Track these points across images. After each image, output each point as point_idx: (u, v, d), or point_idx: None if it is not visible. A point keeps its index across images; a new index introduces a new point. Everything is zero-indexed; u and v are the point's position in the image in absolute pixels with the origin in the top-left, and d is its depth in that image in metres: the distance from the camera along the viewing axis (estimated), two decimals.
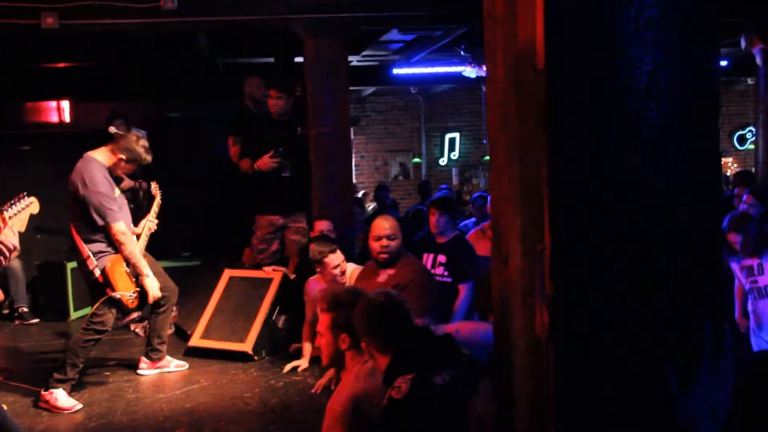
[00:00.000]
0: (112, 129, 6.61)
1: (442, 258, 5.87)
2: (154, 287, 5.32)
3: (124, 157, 5.25)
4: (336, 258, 5.44)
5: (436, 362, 2.82)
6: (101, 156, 5.27)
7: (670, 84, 2.12)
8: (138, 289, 5.30)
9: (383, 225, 5.17)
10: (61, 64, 9.74)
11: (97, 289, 5.23)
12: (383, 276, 5.13)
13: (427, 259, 5.89)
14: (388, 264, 5.13)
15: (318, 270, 5.60)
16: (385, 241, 5.10)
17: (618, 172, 2.07)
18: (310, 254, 5.58)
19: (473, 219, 8.61)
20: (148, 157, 5.37)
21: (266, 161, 6.76)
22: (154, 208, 5.76)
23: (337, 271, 5.43)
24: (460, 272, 5.72)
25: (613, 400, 2.06)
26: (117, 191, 5.33)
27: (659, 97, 2.11)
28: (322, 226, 6.39)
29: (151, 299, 5.34)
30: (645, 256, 2.07)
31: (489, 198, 7.04)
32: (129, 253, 5.20)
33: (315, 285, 5.70)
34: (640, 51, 2.06)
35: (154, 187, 5.94)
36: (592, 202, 2.07)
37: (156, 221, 5.67)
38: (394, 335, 2.99)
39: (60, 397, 5.00)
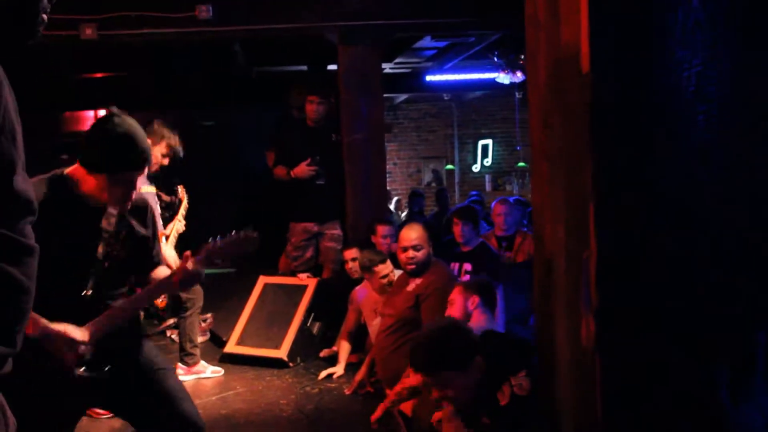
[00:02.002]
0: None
1: (467, 266, 5.92)
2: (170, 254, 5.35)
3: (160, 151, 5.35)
4: (385, 268, 5.43)
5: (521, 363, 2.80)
6: None
7: (719, 87, 2.06)
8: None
9: (410, 236, 5.11)
10: (99, 74, 9.84)
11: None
12: (412, 285, 5.10)
13: (453, 268, 5.89)
14: (417, 273, 5.08)
15: (366, 277, 5.59)
16: (411, 252, 5.04)
17: (666, 178, 2.01)
18: (360, 261, 5.59)
19: None
20: (174, 140, 5.47)
21: (303, 169, 6.74)
22: (182, 211, 5.77)
23: (384, 281, 5.42)
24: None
25: (662, 412, 1.99)
26: (146, 188, 5.37)
27: (708, 100, 2.04)
28: (384, 230, 6.34)
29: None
30: (696, 263, 2.01)
31: (492, 206, 7.05)
32: None
33: (362, 293, 5.71)
34: (688, 53, 2.00)
35: (181, 190, 5.95)
36: (639, 209, 2.01)
37: (184, 222, 5.69)
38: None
39: None
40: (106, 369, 2.76)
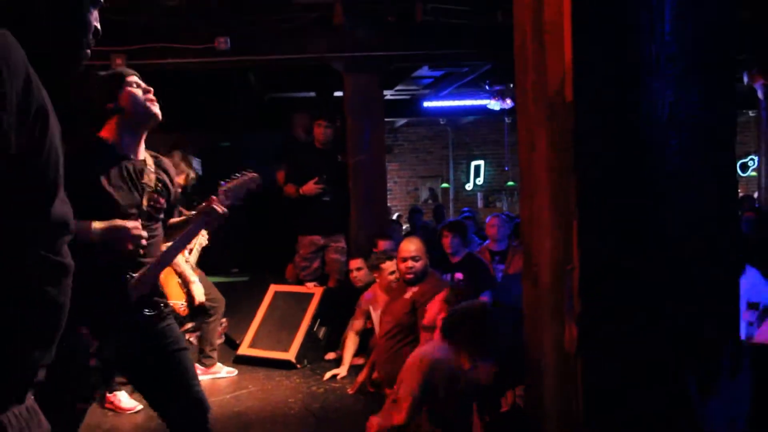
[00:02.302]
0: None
1: (458, 276, 5.93)
2: (199, 292, 5.32)
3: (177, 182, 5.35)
4: (391, 265, 5.43)
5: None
6: None
7: (689, 115, 2.06)
8: (188, 299, 5.31)
9: (409, 247, 5.16)
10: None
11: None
12: (409, 293, 5.10)
13: (446, 278, 5.91)
14: (414, 282, 5.10)
15: (375, 276, 5.64)
16: (410, 263, 5.08)
17: (643, 196, 2.01)
18: (370, 261, 5.68)
19: None
20: (192, 173, 5.47)
21: (311, 187, 6.75)
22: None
23: (392, 278, 5.43)
24: (477, 286, 5.71)
25: (639, 412, 1.98)
26: None
27: (679, 127, 2.05)
28: (386, 245, 6.36)
29: (196, 302, 5.33)
30: (668, 275, 2.01)
31: (488, 220, 7.07)
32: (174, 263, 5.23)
33: (369, 296, 5.76)
34: (662, 84, 2.01)
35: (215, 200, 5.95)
36: (618, 224, 2.01)
37: (207, 236, 5.66)
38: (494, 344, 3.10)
39: (123, 398, 5.00)
40: (157, 311, 2.80)
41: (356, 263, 6.11)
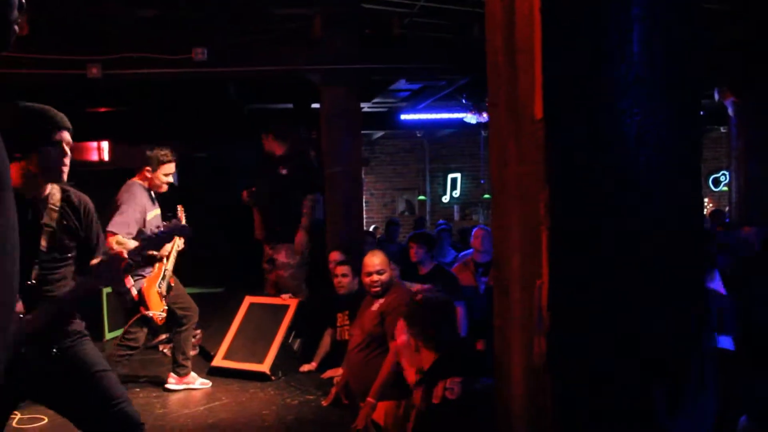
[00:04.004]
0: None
1: (426, 287, 5.95)
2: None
3: (153, 168, 5.36)
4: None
5: (474, 370, 2.90)
6: (140, 179, 5.36)
7: (657, 134, 2.11)
8: (166, 308, 5.28)
9: (373, 261, 5.21)
10: (102, 109, 9.82)
11: (132, 307, 5.22)
12: (376, 305, 5.15)
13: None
14: (380, 295, 5.14)
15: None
16: (375, 276, 5.14)
17: (611, 212, 2.05)
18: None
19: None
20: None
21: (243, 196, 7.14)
22: None
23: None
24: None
25: (608, 425, 2.02)
26: (152, 214, 5.35)
27: (647, 145, 2.09)
28: (335, 256, 6.39)
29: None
30: (636, 290, 2.05)
31: (474, 231, 7.13)
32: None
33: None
34: (630, 103, 2.06)
35: (180, 210, 5.93)
36: (586, 240, 2.05)
37: (184, 241, 5.63)
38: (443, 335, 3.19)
39: None
40: (53, 352, 2.73)
41: (342, 269, 6.11)
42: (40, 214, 2.73)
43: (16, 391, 2.72)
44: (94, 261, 2.89)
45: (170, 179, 5.54)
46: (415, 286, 5.33)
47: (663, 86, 2.11)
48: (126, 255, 2.81)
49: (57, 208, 2.78)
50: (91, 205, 2.97)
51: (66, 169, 2.74)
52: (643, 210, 2.09)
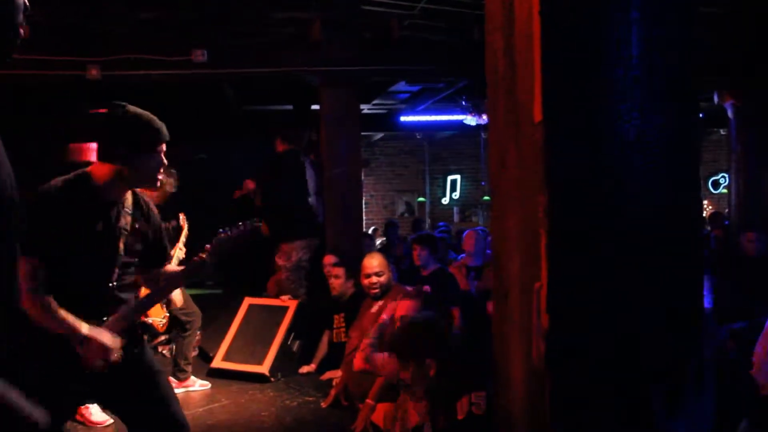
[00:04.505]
0: None
1: (427, 288, 5.95)
2: (177, 298, 5.35)
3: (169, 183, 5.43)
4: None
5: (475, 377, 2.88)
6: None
7: (655, 137, 2.11)
8: (167, 314, 5.28)
9: (371, 263, 5.25)
10: (103, 111, 9.81)
11: None
12: (375, 307, 5.17)
13: None
14: (379, 297, 5.16)
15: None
16: (374, 278, 5.18)
17: (610, 215, 2.05)
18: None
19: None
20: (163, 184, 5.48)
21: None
22: (182, 238, 5.74)
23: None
24: (445, 300, 5.76)
25: (607, 427, 2.02)
26: None
27: (646, 148, 2.10)
28: (329, 259, 6.41)
29: (175, 305, 5.34)
30: (634, 292, 2.05)
31: (464, 235, 7.12)
32: None
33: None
34: (628, 106, 2.06)
35: (182, 218, 5.93)
36: (585, 243, 2.05)
37: (184, 249, 5.64)
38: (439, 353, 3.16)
39: (94, 412, 4.95)
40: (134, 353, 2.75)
41: (336, 271, 6.11)
42: (120, 218, 2.72)
43: (87, 394, 2.73)
44: (194, 260, 2.86)
45: (171, 191, 5.57)
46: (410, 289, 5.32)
47: (662, 88, 2.11)
48: (205, 256, 2.82)
49: (130, 212, 2.76)
50: (155, 208, 2.97)
51: (161, 178, 2.77)
52: (642, 212, 2.09)
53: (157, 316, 5.19)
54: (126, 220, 2.73)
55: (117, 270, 2.70)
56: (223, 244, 2.87)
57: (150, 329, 5.26)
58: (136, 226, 2.78)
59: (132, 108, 2.70)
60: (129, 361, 2.73)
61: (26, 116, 8.51)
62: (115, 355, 2.55)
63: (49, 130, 8.94)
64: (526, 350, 2.13)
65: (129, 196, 2.78)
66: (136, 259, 2.81)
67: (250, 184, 7.35)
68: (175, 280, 2.92)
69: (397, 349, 3.27)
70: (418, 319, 3.44)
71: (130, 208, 2.77)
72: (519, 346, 2.21)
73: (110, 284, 2.68)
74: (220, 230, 2.91)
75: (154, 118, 2.74)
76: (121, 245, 2.71)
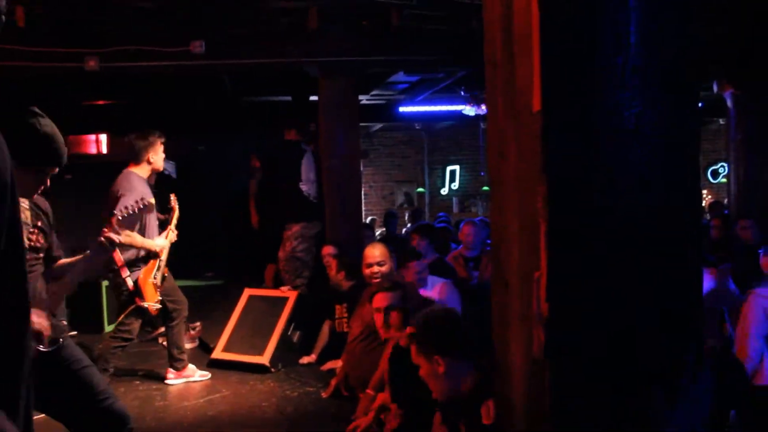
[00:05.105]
0: None
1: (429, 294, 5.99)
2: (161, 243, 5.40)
3: (154, 151, 5.42)
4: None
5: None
6: (137, 169, 5.37)
7: (654, 125, 2.11)
8: (160, 299, 5.29)
9: (373, 253, 5.26)
10: (100, 102, 9.81)
11: (127, 298, 5.23)
12: None
13: None
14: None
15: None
16: (375, 268, 5.19)
17: (608, 204, 2.06)
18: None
19: None
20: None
21: None
22: (174, 220, 5.73)
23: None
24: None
25: (606, 415, 2.03)
26: (152, 199, 5.36)
27: (645, 137, 2.10)
28: (328, 250, 6.43)
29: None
30: (633, 281, 2.06)
31: (461, 227, 7.13)
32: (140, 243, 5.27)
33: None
34: (628, 95, 2.06)
35: (173, 199, 5.91)
36: (584, 232, 2.05)
37: (176, 232, 5.59)
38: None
39: None
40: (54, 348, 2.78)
41: (335, 262, 6.15)
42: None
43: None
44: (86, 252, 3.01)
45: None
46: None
47: (660, 77, 2.11)
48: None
49: (27, 206, 2.90)
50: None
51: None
52: (641, 201, 2.09)
53: (152, 300, 5.20)
54: (26, 215, 2.89)
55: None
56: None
57: (145, 313, 5.27)
58: (38, 222, 2.94)
59: (45, 124, 2.72)
60: (48, 355, 2.76)
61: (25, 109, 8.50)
62: (47, 333, 2.63)
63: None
64: (526, 339, 2.14)
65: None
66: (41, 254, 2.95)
67: (255, 162, 7.36)
68: (81, 267, 3.04)
69: (413, 341, 3.12)
70: (425, 311, 3.31)
71: (26, 203, 2.91)
72: (519, 335, 2.22)
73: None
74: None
75: (60, 139, 2.79)
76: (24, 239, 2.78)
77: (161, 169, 5.52)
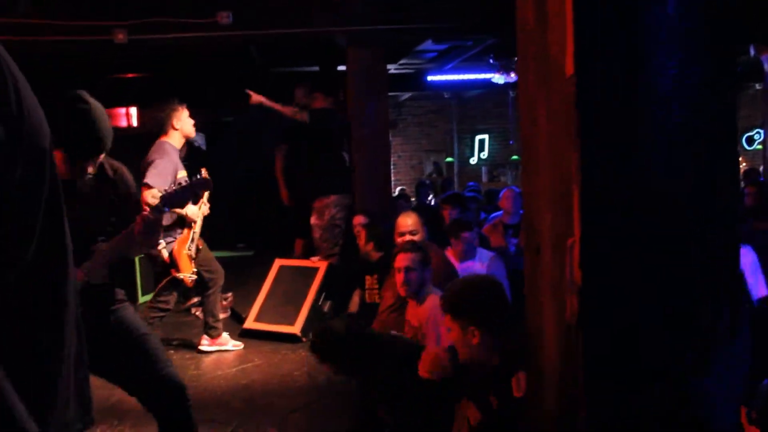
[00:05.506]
0: None
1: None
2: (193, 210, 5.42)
3: (176, 118, 5.47)
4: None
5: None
6: (167, 138, 5.40)
7: (693, 89, 2.06)
8: (195, 270, 5.35)
9: (406, 222, 5.23)
10: (129, 75, 9.85)
11: (162, 270, 5.30)
12: None
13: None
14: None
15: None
16: (408, 237, 5.16)
17: (643, 169, 2.02)
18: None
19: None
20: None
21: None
22: (206, 194, 5.77)
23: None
24: None
25: (639, 382, 2.01)
26: (182, 173, 5.39)
27: (682, 100, 2.05)
28: (359, 219, 6.42)
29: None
30: (667, 245, 2.02)
31: (501, 194, 7.08)
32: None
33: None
34: (664, 57, 2.01)
35: (204, 173, 5.93)
36: (618, 198, 2.02)
37: (208, 205, 5.64)
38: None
39: None
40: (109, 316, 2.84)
41: (366, 232, 6.16)
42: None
43: None
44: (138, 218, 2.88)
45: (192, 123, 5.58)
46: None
47: (698, 39, 2.05)
48: (149, 212, 2.83)
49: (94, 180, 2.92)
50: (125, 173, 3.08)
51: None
52: (677, 165, 2.05)
53: (187, 272, 5.27)
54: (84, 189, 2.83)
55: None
56: (168, 202, 2.88)
57: (180, 285, 5.33)
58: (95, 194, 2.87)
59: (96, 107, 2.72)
60: (104, 322, 2.81)
61: (55, 84, 8.59)
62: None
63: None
64: (559, 306, 2.12)
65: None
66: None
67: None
68: (127, 239, 2.88)
69: (444, 308, 3.05)
70: (470, 280, 3.25)
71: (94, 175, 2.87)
72: (551, 302, 2.20)
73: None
74: (165, 189, 2.98)
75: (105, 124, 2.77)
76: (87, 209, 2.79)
77: (192, 134, 5.51)
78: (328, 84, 7.53)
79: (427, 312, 4.34)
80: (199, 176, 3.01)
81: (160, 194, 2.92)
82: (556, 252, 2.15)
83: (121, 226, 2.86)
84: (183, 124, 5.42)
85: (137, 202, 3.06)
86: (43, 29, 6.27)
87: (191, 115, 5.61)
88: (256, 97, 6.70)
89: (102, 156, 2.81)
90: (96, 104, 2.72)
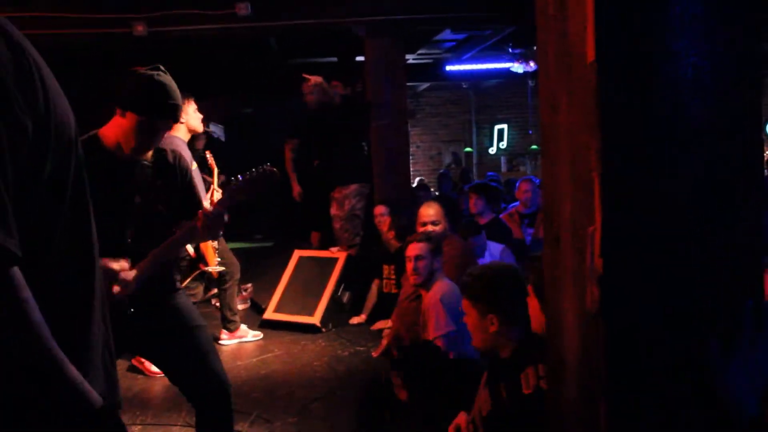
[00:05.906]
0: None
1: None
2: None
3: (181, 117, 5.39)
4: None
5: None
6: (175, 132, 5.38)
7: (714, 77, 2.04)
8: (219, 260, 5.39)
9: (428, 212, 5.23)
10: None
11: (189, 264, 5.33)
12: None
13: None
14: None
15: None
16: (429, 227, 5.16)
17: (664, 159, 2.00)
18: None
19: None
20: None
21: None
22: (216, 179, 5.77)
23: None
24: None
25: (660, 371, 2.00)
26: (193, 166, 5.40)
27: (703, 88, 2.03)
28: (380, 209, 6.43)
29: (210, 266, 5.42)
30: (688, 235, 2.00)
31: (518, 184, 7.05)
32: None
33: None
34: (686, 44, 1.98)
35: (209, 157, 5.90)
36: (638, 187, 2.00)
37: (219, 191, 5.57)
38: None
39: None
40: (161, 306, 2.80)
41: (387, 221, 6.17)
42: (132, 171, 2.79)
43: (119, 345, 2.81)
44: (201, 213, 2.81)
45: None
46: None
47: (720, 25, 2.03)
48: (215, 205, 2.80)
49: (149, 164, 2.83)
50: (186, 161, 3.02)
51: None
52: (699, 154, 2.03)
53: (213, 264, 5.31)
54: (144, 177, 2.77)
55: (131, 227, 2.72)
56: (235, 195, 2.81)
57: (208, 277, 5.37)
58: (157, 182, 2.81)
59: (166, 74, 2.75)
60: (161, 311, 2.80)
61: (75, 77, 8.65)
62: (128, 279, 2.60)
63: (98, 89, 9.05)
64: (579, 295, 2.11)
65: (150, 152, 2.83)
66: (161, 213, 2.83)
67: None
68: (190, 233, 2.82)
69: (465, 291, 3.01)
70: (494, 266, 3.21)
71: (149, 161, 2.81)
72: (572, 291, 2.18)
73: (124, 241, 2.70)
74: (232, 179, 2.86)
75: (178, 94, 2.78)
76: (138, 202, 2.74)
77: (198, 129, 5.45)
78: (346, 74, 7.53)
79: (430, 297, 4.36)
80: (262, 168, 2.84)
81: (225, 187, 2.88)
82: (575, 240, 2.14)
83: (170, 217, 2.84)
84: (189, 118, 5.37)
85: (194, 194, 2.98)
86: (61, 22, 6.31)
87: (211, 108, 5.60)
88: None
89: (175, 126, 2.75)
90: (166, 75, 2.75)
